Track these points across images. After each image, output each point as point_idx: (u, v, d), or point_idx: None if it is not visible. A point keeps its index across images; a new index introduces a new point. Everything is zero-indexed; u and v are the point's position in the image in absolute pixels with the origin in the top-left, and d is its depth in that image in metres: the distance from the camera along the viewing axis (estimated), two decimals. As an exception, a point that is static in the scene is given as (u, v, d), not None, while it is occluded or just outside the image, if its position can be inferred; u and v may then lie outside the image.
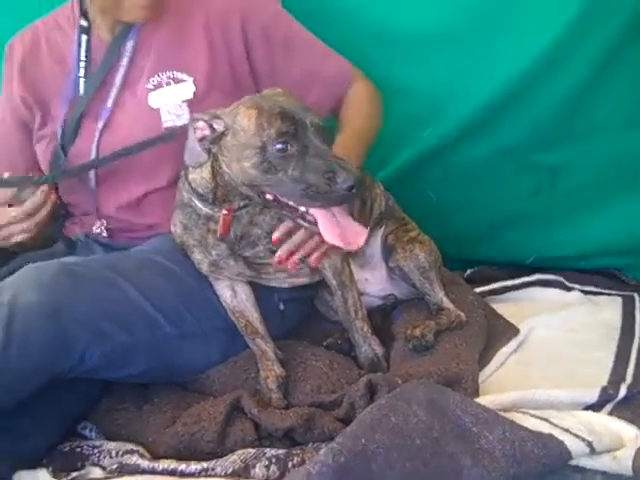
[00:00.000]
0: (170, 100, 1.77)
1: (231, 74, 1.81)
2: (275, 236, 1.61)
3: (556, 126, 2.17)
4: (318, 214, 1.47)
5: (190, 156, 1.55)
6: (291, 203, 1.48)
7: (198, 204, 1.62)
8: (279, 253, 1.63)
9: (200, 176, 1.59)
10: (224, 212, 1.60)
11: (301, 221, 1.50)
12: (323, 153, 1.44)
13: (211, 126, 1.51)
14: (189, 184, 1.62)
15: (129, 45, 1.82)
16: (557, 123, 2.16)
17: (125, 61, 1.82)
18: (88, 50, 1.85)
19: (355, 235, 1.48)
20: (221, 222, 1.62)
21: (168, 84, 1.79)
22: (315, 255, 1.65)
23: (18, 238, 1.71)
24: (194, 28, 1.82)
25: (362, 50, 2.14)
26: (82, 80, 1.84)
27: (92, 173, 1.83)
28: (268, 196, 1.50)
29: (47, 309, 1.43)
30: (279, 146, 1.44)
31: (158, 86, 1.79)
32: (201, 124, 1.51)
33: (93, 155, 1.81)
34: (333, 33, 2.06)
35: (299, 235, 1.61)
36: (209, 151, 1.53)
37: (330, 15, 2.16)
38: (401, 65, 2.21)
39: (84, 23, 1.85)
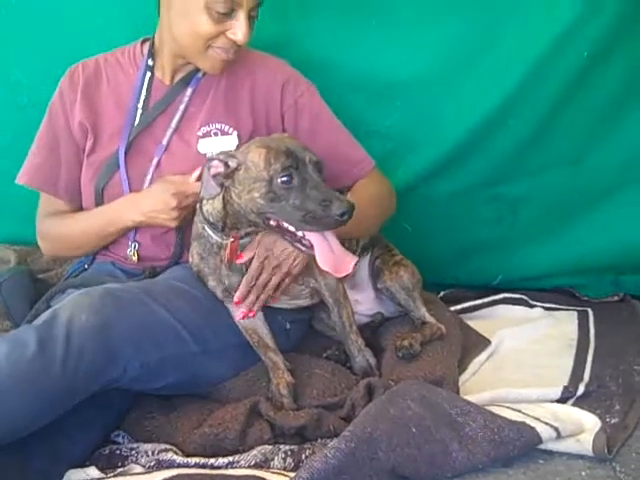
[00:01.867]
0: (216, 148, 1.98)
1: (267, 134, 2.00)
2: (236, 298, 1.86)
3: (515, 163, 2.44)
4: (314, 240, 1.70)
5: (206, 190, 1.78)
6: (291, 229, 1.71)
7: (210, 232, 1.85)
8: (237, 296, 1.87)
9: (212, 207, 1.83)
10: (230, 239, 1.84)
11: (299, 245, 1.73)
12: (320, 185, 1.68)
13: (226, 164, 1.75)
14: (202, 215, 1.86)
15: (189, 91, 2.04)
16: (516, 160, 2.43)
17: (183, 106, 2.03)
18: (149, 86, 2.06)
19: (345, 262, 1.71)
20: (228, 249, 1.85)
21: (215, 134, 2.01)
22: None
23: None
24: (242, 90, 2.05)
25: (340, 95, 2.37)
26: (139, 112, 2.04)
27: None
28: (272, 222, 1.74)
29: (97, 328, 1.62)
30: (284, 179, 1.68)
31: (207, 135, 2.01)
32: (216, 163, 1.75)
33: (145, 187, 2.02)
34: (313, 79, 2.24)
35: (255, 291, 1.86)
36: (222, 185, 1.77)
37: (310, 63, 2.34)
38: (376, 109, 2.45)
39: (150, 62, 2.06)
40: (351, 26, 2.39)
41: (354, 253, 2.10)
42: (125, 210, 2.01)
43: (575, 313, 2.50)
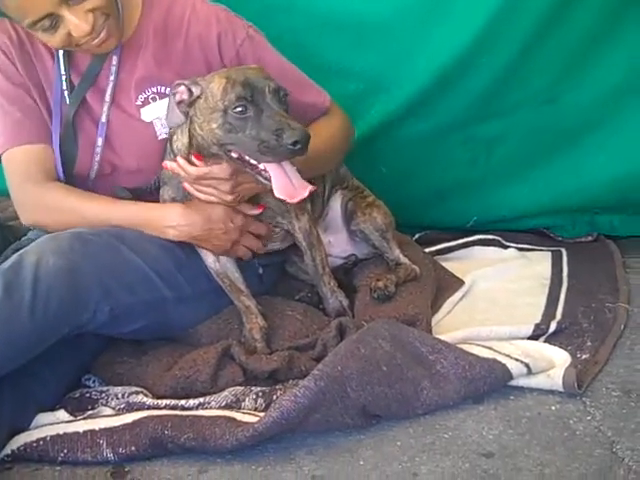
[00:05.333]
0: (161, 113, 1.87)
1: None
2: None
3: (489, 102, 2.40)
4: (271, 170, 1.65)
5: (170, 119, 1.75)
6: (252, 161, 1.67)
7: None
8: None
9: (181, 142, 1.78)
10: None
11: (259, 177, 1.68)
12: (276, 114, 1.63)
13: (190, 90, 1.71)
14: (172, 152, 1.80)
15: (114, 60, 1.87)
16: (489, 100, 2.40)
17: (112, 77, 1.87)
18: (67, 64, 1.87)
19: (299, 191, 1.65)
20: None
21: (154, 99, 1.88)
22: None
23: None
24: (174, 49, 1.90)
25: (311, 36, 2.34)
26: (66, 92, 1.87)
27: (93, 172, 1.90)
28: (233, 154, 1.69)
29: (65, 271, 1.60)
30: (238, 109, 1.64)
31: (145, 102, 1.89)
32: (181, 88, 1.71)
33: (95, 168, 1.90)
34: (285, 23, 2.25)
35: None
36: (186, 114, 1.73)
37: (281, 6, 2.33)
38: (348, 50, 2.40)
39: None
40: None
41: (323, 192, 2.12)
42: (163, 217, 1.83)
43: (549, 253, 2.50)
